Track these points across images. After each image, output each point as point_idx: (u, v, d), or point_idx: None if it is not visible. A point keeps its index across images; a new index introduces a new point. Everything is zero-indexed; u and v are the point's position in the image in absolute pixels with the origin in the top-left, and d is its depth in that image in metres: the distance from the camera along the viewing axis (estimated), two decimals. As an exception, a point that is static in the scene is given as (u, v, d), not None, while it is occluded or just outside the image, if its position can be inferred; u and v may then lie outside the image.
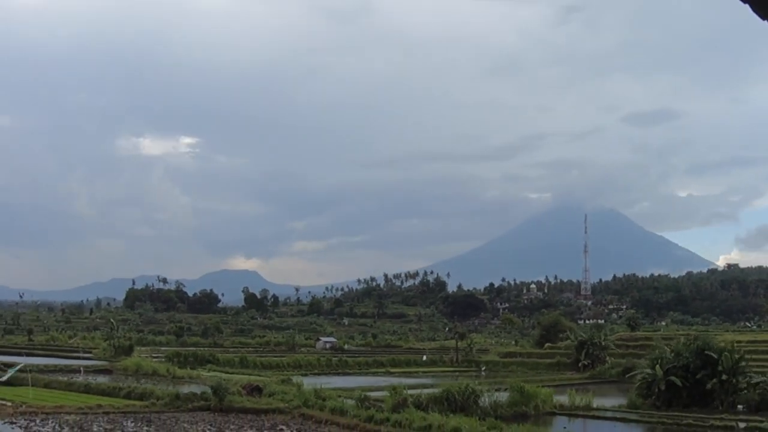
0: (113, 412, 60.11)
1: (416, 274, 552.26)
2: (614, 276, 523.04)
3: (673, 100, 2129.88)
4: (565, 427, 57.17)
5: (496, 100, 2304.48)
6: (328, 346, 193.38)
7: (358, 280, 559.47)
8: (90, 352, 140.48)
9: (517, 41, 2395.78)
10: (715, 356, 72.16)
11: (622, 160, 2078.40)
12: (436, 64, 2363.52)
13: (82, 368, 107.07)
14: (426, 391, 70.36)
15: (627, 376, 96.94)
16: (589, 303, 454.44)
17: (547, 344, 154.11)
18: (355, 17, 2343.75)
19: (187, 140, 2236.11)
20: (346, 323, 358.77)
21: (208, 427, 53.52)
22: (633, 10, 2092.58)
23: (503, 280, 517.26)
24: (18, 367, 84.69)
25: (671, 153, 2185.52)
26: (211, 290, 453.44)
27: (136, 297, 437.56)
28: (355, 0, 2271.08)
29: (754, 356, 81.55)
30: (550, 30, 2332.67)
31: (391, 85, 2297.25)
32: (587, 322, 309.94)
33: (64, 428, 50.70)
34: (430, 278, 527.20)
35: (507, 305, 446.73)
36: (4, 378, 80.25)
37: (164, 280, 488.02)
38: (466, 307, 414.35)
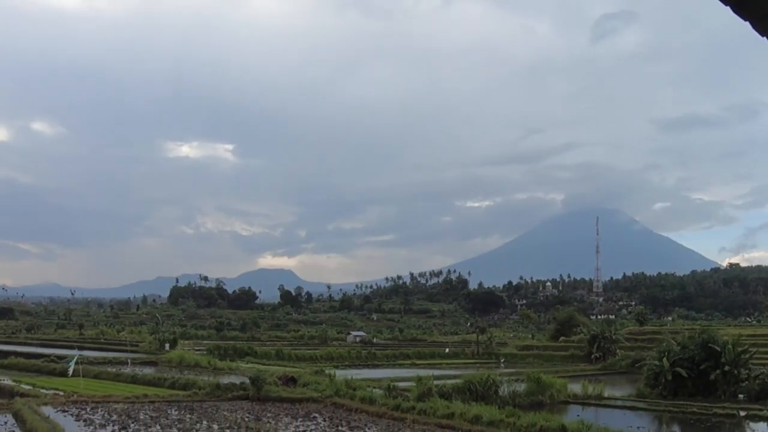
0: (158, 401, 60.22)
1: (440, 272, 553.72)
2: (624, 274, 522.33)
3: (696, 107, 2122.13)
4: (578, 415, 56.90)
5: (525, 107, 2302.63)
6: (358, 339, 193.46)
7: (386, 278, 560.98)
8: (137, 346, 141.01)
9: (546, 51, 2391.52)
10: (718, 349, 72.06)
11: (640, 164, 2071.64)
12: (465, 74, 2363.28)
13: (129, 360, 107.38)
14: (449, 381, 70.29)
15: (636, 367, 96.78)
16: (601, 299, 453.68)
17: (561, 338, 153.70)
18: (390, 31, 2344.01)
19: (226, 146, 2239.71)
20: (375, 318, 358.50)
21: (247, 414, 53.50)
22: (660, 20, 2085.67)
23: (521, 278, 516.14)
24: (74, 360, 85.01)
25: (689, 158, 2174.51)
26: (249, 288, 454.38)
27: (180, 294, 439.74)
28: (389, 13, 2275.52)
29: (754, 349, 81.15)
30: (580, 41, 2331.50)
31: (423, 93, 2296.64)
32: (599, 317, 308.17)
33: (112, 416, 50.77)
34: (453, 276, 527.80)
35: (524, 302, 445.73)
36: (70, 372, 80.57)
37: (205, 279, 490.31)
38: (486, 303, 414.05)
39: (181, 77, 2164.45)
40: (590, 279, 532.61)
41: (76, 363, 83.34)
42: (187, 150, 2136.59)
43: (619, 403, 69.98)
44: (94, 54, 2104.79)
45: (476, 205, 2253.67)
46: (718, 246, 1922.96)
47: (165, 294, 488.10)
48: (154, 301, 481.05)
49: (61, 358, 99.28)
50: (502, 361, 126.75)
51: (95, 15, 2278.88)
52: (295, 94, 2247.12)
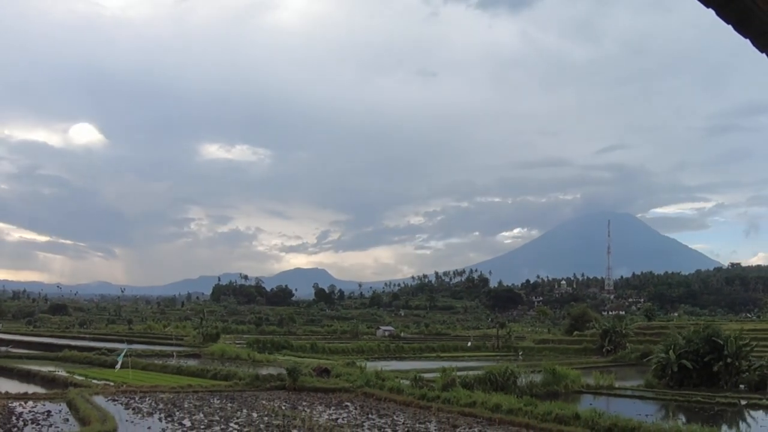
0: (202, 391, 60.43)
1: (463, 271, 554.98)
2: (633, 273, 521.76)
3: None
4: (591, 404, 56.90)
5: (559, 111, 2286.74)
6: (386, 333, 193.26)
7: (413, 277, 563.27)
8: (182, 339, 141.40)
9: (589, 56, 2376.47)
10: (721, 342, 72.08)
11: (653, 170, 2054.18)
12: (491, 80, 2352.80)
13: (174, 353, 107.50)
14: (471, 372, 70.19)
15: (644, 359, 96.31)
16: (612, 297, 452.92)
17: (575, 332, 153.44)
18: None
19: (264, 150, 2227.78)
20: (402, 314, 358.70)
21: (284, 403, 53.59)
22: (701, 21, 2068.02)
23: (538, 276, 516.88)
24: (123, 353, 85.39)
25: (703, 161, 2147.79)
26: (285, 286, 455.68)
27: (222, 292, 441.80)
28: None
29: (754, 342, 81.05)
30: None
31: (458, 99, 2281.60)
32: (610, 313, 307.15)
33: (159, 404, 50.96)
34: (475, 276, 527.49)
35: (541, 299, 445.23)
36: (117, 366, 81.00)
37: (245, 277, 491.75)
38: (505, 300, 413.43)
39: (219, 81, 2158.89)
40: (602, 278, 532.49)
41: (125, 356, 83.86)
42: (226, 153, 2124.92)
43: (628, 392, 69.92)
44: (135, 60, 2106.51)
45: (498, 200, 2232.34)
46: (724, 246, 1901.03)
47: (208, 292, 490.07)
48: (197, 298, 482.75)
49: (111, 351, 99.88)
50: (520, 354, 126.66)
51: (136, 22, 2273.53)
52: (329, 97, 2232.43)
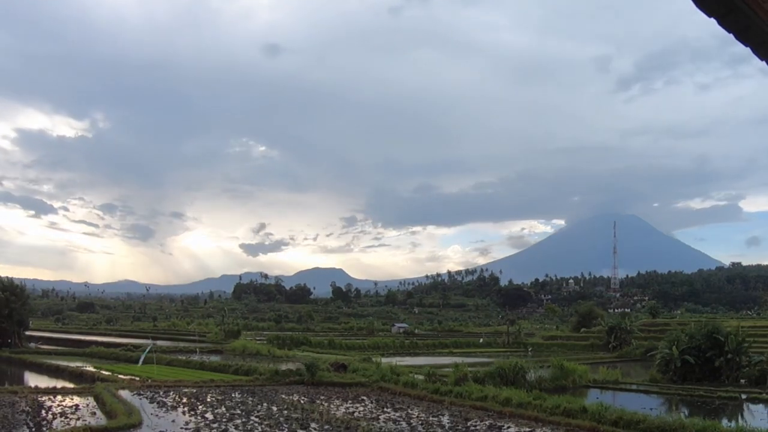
0: (224, 386, 60.60)
1: (474, 271, 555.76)
2: (638, 272, 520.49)
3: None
4: (597, 398, 56.78)
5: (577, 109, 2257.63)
6: (401, 330, 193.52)
7: (426, 276, 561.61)
8: (204, 336, 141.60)
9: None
10: (722, 339, 71.92)
11: (660, 171, 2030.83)
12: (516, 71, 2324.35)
13: (197, 349, 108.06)
14: (482, 368, 70.19)
15: (649, 355, 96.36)
16: (618, 295, 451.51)
17: (582, 329, 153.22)
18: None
19: (281, 143, 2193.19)
20: (416, 312, 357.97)
21: (303, 397, 53.69)
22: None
23: (546, 275, 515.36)
24: (147, 350, 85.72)
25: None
26: (304, 284, 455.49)
27: (243, 290, 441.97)
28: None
29: (754, 339, 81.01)
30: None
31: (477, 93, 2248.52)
32: (616, 310, 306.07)
33: (183, 398, 51.15)
34: (486, 275, 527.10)
35: (550, 297, 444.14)
36: (140, 361, 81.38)
37: (265, 276, 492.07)
38: (515, 298, 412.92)
39: (242, 73, 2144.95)
40: (608, 277, 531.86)
41: (150, 352, 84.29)
42: (243, 148, 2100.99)
43: (633, 387, 69.82)
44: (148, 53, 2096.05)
45: (511, 205, 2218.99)
46: (725, 246, 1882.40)
47: (229, 290, 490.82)
48: (219, 296, 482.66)
49: (137, 347, 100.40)
50: (529, 349, 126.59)
51: (153, 16, 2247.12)
52: (353, 82, 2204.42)
